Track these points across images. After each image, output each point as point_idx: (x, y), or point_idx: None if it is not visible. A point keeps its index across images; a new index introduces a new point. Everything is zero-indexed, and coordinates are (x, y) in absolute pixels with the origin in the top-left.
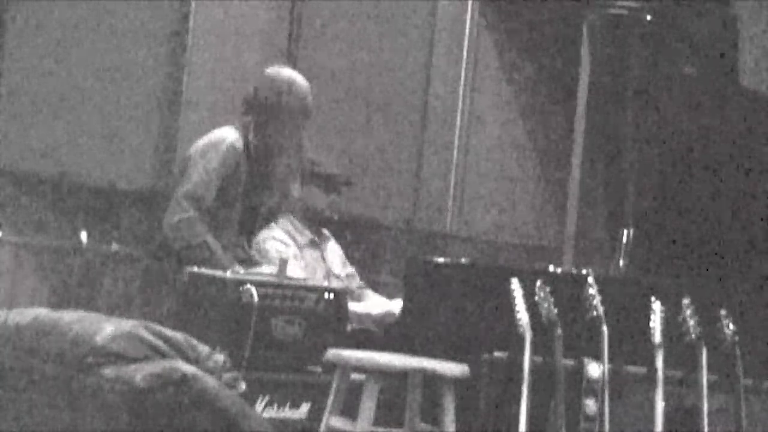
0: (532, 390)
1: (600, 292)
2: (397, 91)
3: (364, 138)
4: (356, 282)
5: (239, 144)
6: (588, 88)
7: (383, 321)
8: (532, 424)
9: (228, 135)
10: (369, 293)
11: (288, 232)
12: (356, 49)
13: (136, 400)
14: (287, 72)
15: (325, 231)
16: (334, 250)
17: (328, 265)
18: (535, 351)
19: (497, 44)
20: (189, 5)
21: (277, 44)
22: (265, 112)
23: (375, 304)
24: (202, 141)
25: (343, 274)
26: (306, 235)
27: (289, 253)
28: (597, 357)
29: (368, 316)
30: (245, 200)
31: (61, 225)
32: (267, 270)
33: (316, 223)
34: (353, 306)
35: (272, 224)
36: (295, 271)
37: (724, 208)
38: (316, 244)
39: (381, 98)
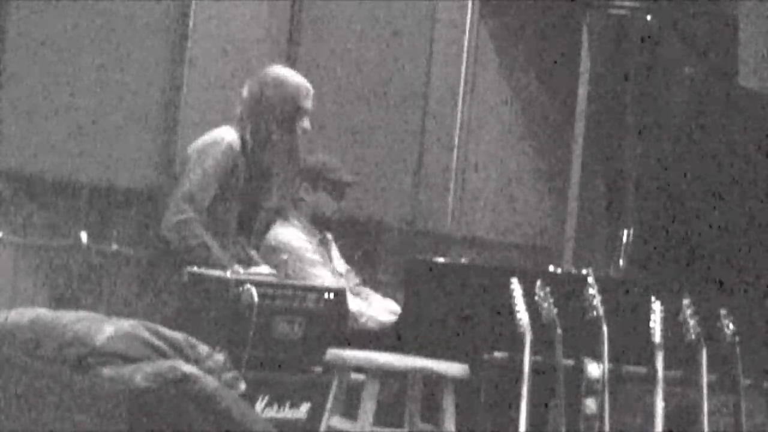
0: (532, 390)
1: (600, 292)
2: (397, 92)
3: (364, 138)
4: (354, 279)
5: (237, 144)
6: (588, 88)
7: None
8: (532, 424)
9: (226, 135)
10: (369, 292)
11: (304, 231)
12: (356, 49)
13: (136, 400)
14: (277, 70)
15: (328, 234)
16: (335, 249)
17: (334, 264)
18: (535, 351)
19: (497, 44)
20: (189, 5)
21: (277, 44)
22: (255, 110)
23: (383, 308)
24: (200, 141)
25: (344, 272)
26: (315, 234)
27: (313, 254)
28: (597, 357)
29: (374, 319)
30: (244, 200)
31: (61, 225)
32: (267, 270)
33: (321, 226)
34: (359, 305)
35: (287, 222)
36: (320, 269)
37: (724, 208)
38: (324, 243)
39: (381, 98)
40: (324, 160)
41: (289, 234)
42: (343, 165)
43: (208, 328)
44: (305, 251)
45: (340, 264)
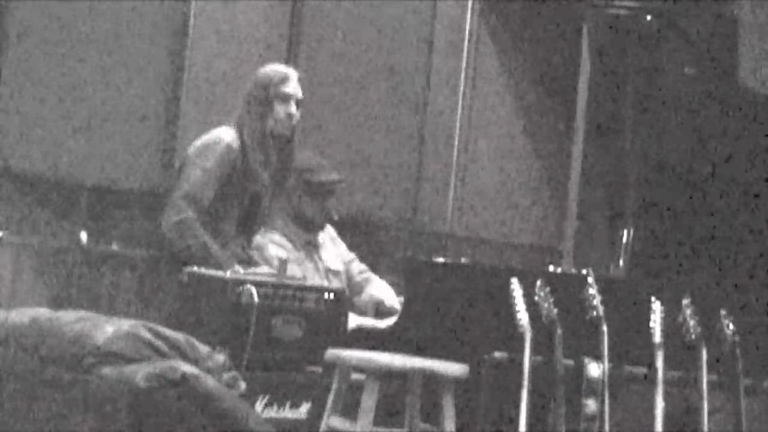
0: (532, 390)
1: (600, 292)
2: (397, 91)
3: (365, 138)
4: (358, 266)
5: (236, 144)
6: (588, 88)
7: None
8: (532, 424)
9: (225, 135)
10: (374, 279)
11: (285, 235)
12: (356, 49)
13: (136, 400)
14: (264, 66)
15: (321, 233)
16: (330, 244)
17: (325, 264)
18: (535, 351)
19: (497, 44)
20: (189, 5)
21: (277, 44)
22: (244, 108)
23: (366, 302)
24: (199, 141)
25: (341, 267)
26: (301, 237)
27: (290, 257)
28: (597, 357)
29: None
30: (244, 200)
31: (61, 225)
32: (267, 270)
33: (308, 229)
34: (358, 319)
35: (268, 228)
36: (295, 273)
37: (724, 208)
38: (312, 244)
39: (381, 99)
40: (304, 161)
41: (261, 241)
42: (328, 163)
43: (208, 328)
44: (271, 260)
45: (337, 261)
